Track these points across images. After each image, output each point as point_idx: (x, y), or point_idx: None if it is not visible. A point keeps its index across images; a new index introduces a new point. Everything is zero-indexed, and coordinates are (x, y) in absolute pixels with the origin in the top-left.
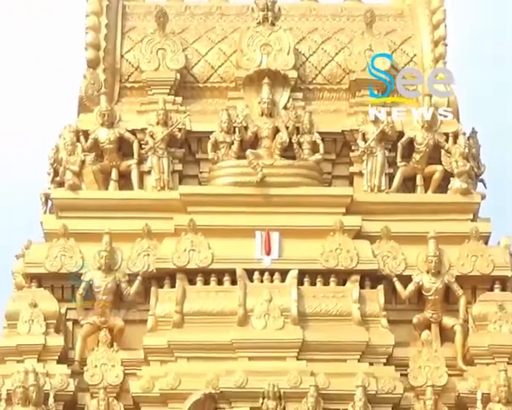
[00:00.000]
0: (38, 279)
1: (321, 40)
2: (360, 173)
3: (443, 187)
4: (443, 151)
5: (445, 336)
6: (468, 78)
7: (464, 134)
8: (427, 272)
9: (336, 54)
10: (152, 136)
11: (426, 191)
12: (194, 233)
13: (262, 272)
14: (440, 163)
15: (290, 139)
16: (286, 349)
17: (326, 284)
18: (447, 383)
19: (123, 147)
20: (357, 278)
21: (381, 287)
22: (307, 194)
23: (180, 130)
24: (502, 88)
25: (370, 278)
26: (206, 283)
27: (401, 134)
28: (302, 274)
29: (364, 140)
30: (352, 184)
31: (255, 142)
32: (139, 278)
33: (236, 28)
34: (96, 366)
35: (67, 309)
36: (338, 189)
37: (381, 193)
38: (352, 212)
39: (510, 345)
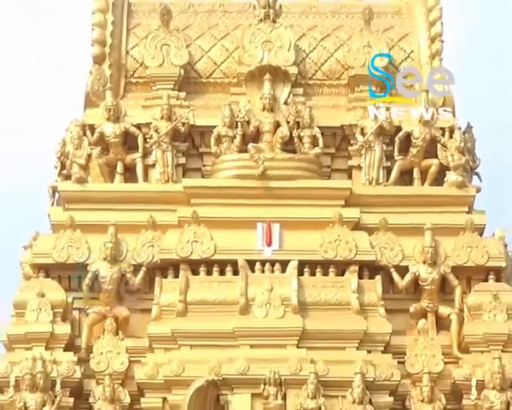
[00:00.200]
0: (46, 270)
1: (320, 37)
2: (359, 167)
3: (439, 180)
4: (439, 145)
5: (441, 324)
6: (465, 75)
7: (460, 129)
8: (424, 263)
9: (335, 50)
10: (156, 130)
11: (422, 184)
12: (197, 225)
13: (263, 262)
14: (436, 157)
15: (291, 133)
16: (286, 337)
17: (325, 274)
18: (443, 370)
19: (128, 141)
20: (356, 268)
21: (378, 277)
22: (307, 187)
23: (184, 124)
24: (499, 86)
25: (368, 269)
26: (209, 273)
27: (398, 129)
28: (302, 265)
29: (363, 134)
30: (350, 177)
31: (257, 136)
32: (143, 268)
33: (238, 25)
34: (101, 354)
35: (74, 298)
36: (337, 182)
37: (379, 186)
38: (351, 204)
39: (504, 333)
